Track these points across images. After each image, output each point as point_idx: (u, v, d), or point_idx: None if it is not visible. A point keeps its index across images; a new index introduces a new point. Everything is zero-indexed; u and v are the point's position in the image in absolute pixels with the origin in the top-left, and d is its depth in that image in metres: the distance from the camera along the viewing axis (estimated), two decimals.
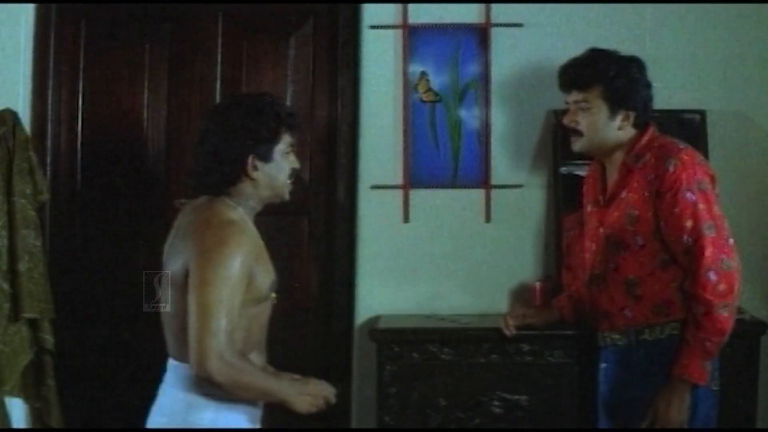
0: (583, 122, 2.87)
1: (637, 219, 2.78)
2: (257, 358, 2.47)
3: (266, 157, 2.42)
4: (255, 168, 2.41)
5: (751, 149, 3.52)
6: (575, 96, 2.89)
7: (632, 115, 2.84)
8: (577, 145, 2.92)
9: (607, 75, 2.83)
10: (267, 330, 2.52)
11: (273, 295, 2.50)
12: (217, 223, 2.36)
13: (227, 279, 2.28)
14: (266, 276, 2.41)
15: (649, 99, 2.90)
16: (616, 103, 2.83)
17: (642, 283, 2.78)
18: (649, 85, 2.90)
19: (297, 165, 2.51)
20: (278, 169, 2.46)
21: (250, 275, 2.35)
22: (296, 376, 2.49)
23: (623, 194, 2.82)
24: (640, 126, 2.87)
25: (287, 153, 2.47)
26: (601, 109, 2.84)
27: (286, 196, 2.52)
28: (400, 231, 3.54)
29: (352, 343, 3.58)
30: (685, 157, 2.75)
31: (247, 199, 2.45)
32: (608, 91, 2.83)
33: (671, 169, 2.72)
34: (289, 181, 2.50)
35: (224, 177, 2.40)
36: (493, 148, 3.52)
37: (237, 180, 2.42)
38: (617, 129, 2.85)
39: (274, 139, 2.43)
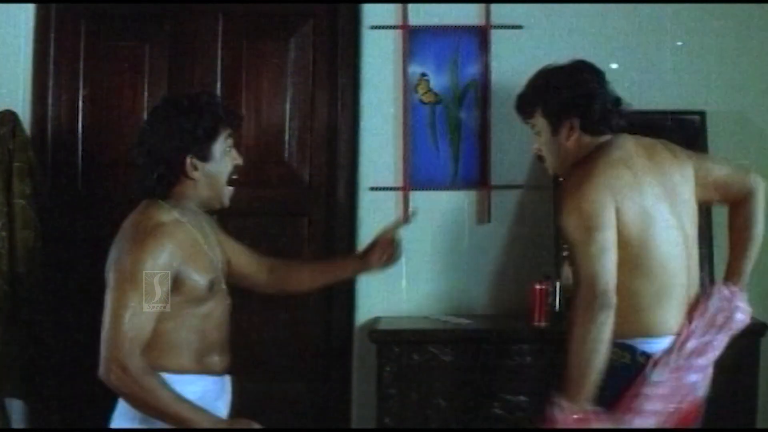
0: (540, 146, 2.74)
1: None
2: (219, 359, 2.46)
3: (205, 156, 2.40)
4: (194, 168, 2.40)
5: (751, 149, 3.52)
6: (530, 124, 2.78)
7: (576, 122, 2.65)
8: (550, 169, 2.80)
9: (539, 93, 2.71)
10: (226, 331, 2.50)
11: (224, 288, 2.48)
12: (140, 229, 2.35)
13: (135, 284, 2.26)
14: (202, 276, 2.38)
15: (592, 98, 2.66)
16: (554, 117, 2.67)
17: None
18: (595, 85, 2.68)
19: (239, 161, 2.49)
20: (218, 168, 2.44)
21: (178, 277, 2.33)
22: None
23: None
24: (599, 131, 2.66)
25: (227, 150, 2.46)
26: (545, 129, 2.70)
27: (226, 202, 2.50)
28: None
29: (352, 343, 3.58)
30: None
31: (188, 201, 2.43)
32: (544, 109, 2.69)
33: None
34: (230, 186, 2.48)
35: (163, 178, 2.39)
36: (493, 149, 3.52)
37: (176, 181, 2.40)
38: (565, 141, 2.66)
39: (211, 138, 2.41)
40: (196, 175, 2.40)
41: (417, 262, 3.52)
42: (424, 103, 3.53)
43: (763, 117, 3.53)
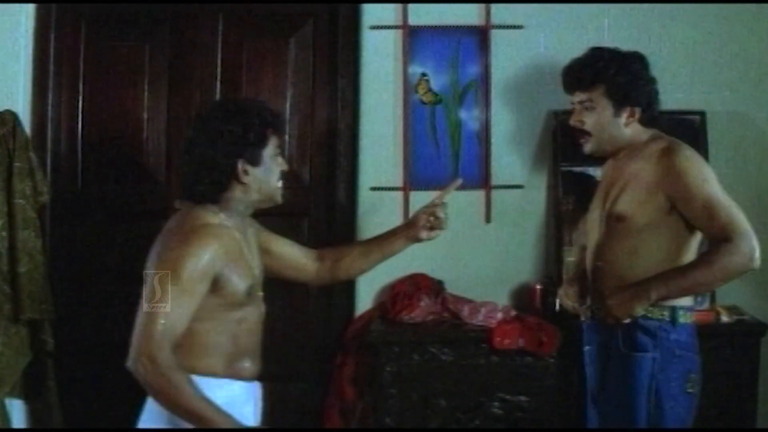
0: (589, 122, 2.86)
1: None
2: (250, 366, 2.45)
3: (255, 161, 2.42)
4: (245, 173, 2.41)
5: (751, 149, 3.52)
6: (579, 96, 2.88)
7: (638, 111, 2.83)
8: (588, 146, 2.89)
9: (609, 73, 2.82)
10: (259, 337, 2.50)
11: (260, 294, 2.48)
12: (186, 228, 2.35)
13: (175, 280, 2.25)
14: (241, 280, 2.38)
15: (654, 94, 2.88)
16: (619, 100, 2.82)
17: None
18: (652, 81, 2.89)
19: (285, 167, 2.51)
20: (268, 172, 2.46)
21: (219, 279, 2.33)
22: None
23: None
24: (648, 123, 2.86)
25: (275, 156, 2.47)
26: (605, 107, 2.83)
27: (279, 199, 2.52)
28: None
29: None
30: None
31: (236, 205, 2.44)
32: (611, 88, 2.82)
33: None
34: (280, 184, 2.50)
35: (215, 184, 2.40)
36: (493, 149, 3.52)
37: (228, 186, 2.42)
38: (624, 126, 2.84)
39: (262, 143, 2.43)
40: (247, 179, 2.42)
41: (417, 262, 3.52)
42: (424, 103, 3.53)
43: (763, 117, 3.53)
